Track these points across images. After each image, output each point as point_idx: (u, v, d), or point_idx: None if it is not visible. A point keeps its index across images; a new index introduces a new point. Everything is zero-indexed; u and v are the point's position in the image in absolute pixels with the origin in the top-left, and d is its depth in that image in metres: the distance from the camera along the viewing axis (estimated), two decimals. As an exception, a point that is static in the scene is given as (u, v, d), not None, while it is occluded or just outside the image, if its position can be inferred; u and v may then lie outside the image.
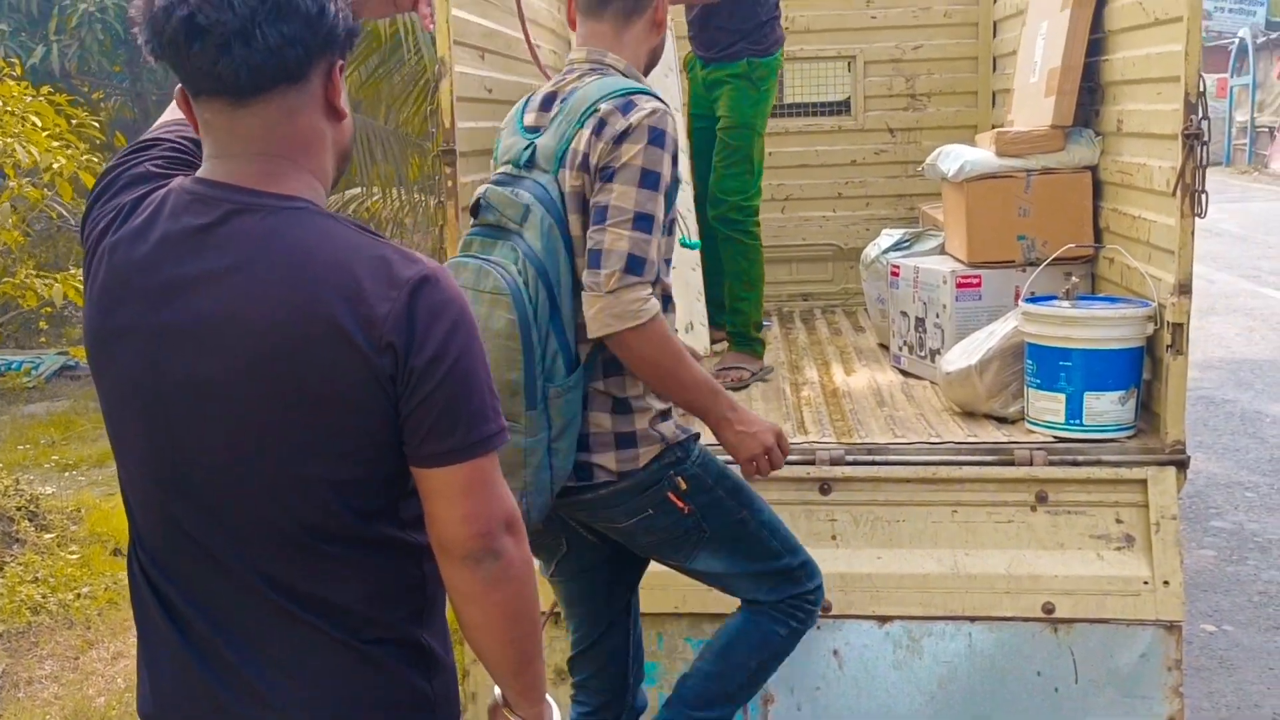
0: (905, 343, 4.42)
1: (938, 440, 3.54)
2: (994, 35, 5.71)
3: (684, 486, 2.60)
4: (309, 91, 1.59)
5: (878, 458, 3.48)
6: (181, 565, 1.63)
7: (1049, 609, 3.30)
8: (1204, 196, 3.28)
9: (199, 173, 1.62)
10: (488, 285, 2.38)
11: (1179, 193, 3.27)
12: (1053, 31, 4.17)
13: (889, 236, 4.88)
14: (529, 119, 2.57)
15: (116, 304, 1.58)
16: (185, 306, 1.54)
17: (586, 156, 2.43)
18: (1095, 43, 4.01)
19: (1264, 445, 6.84)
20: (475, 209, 2.52)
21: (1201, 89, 3.26)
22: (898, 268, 4.46)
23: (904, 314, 4.41)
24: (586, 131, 2.43)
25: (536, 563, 2.78)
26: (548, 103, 2.56)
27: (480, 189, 2.52)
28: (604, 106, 2.44)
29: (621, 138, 2.41)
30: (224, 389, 1.54)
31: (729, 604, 3.32)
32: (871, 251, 4.84)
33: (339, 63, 1.62)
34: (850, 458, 3.46)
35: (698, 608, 3.34)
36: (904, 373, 4.40)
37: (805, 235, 5.95)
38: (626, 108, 2.44)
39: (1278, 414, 7.46)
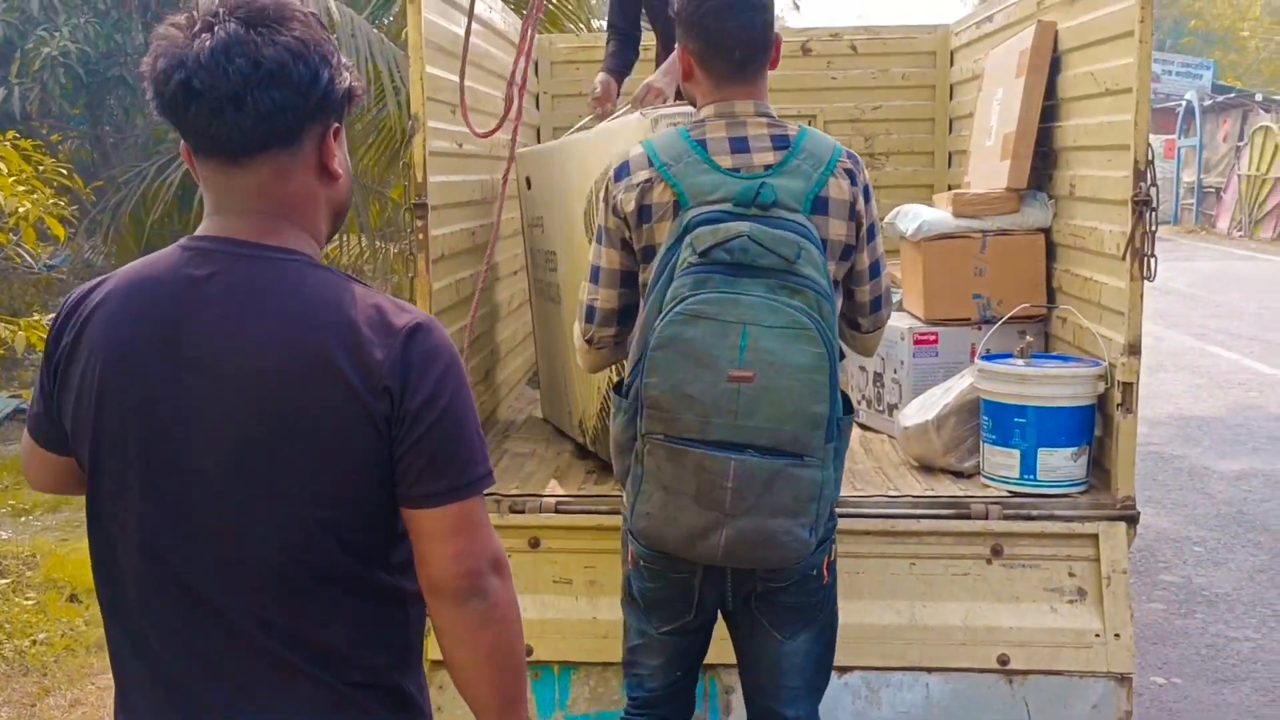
0: (864, 397, 4.51)
1: (896, 494, 3.62)
2: (950, 98, 5.86)
3: (834, 555, 2.71)
4: (301, 154, 1.67)
5: (837, 510, 3.54)
6: (167, 613, 1.66)
7: (1004, 660, 3.37)
8: (1153, 261, 3.40)
9: (199, 230, 1.69)
10: (780, 320, 2.39)
11: (1129, 257, 3.39)
12: (1008, 98, 4.30)
13: (848, 292, 4.98)
14: (725, 161, 2.56)
15: (114, 353, 1.63)
16: (189, 352, 1.61)
17: (853, 206, 2.60)
18: (1049, 109, 4.15)
19: (1211, 501, 6.99)
20: (710, 248, 2.44)
21: (1150, 157, 3.38)
22: (857, 324, 4.55)
23: (862, 369, 4.50)
24: (843, 181, 2.59)
25: (642, 621, 2.80)
26: (740, 145, 2.58)
27: (737, 226, 2.44)
28: (848, 161, 2.62)
29: (868, 193, 2.65)
30: (228, 431, 1.59)
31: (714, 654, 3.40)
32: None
33: (334, 126, 1.70)
34: (811, 510, 3.53)
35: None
36: (862, 426, 4.48)
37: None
38: (858, 162, 2.66)
39: (1225, 470, 7.62)
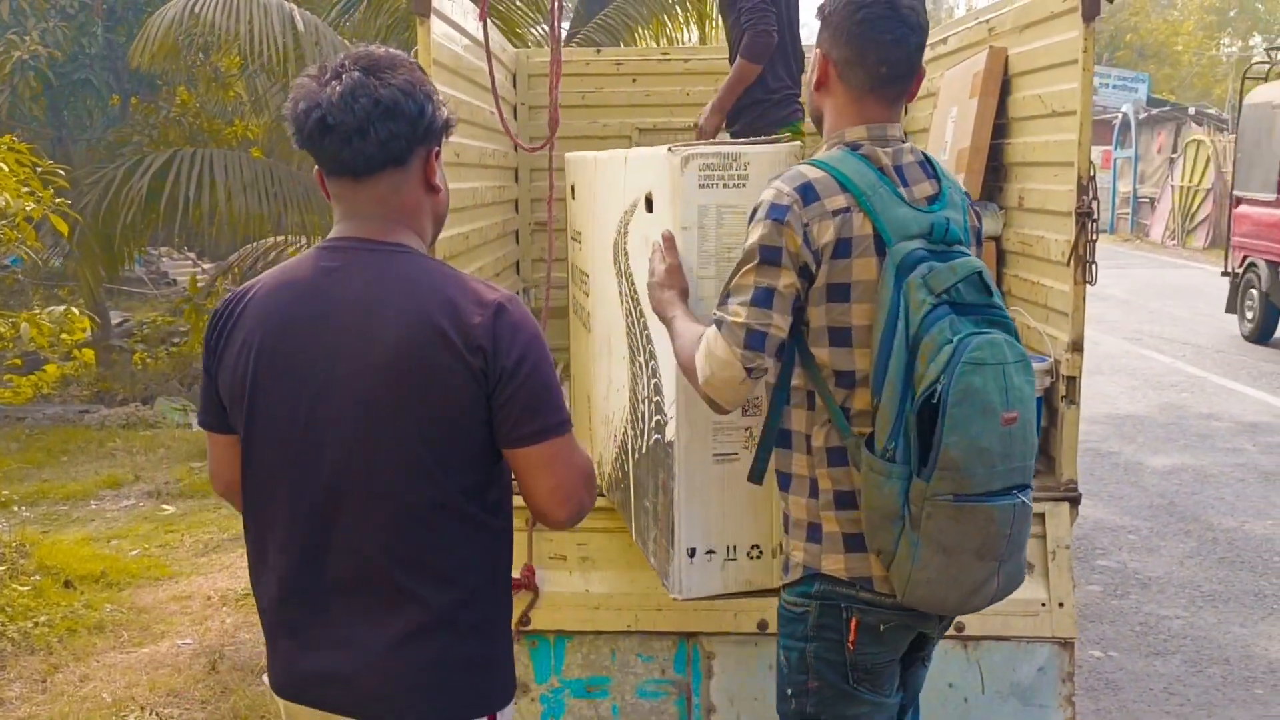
0: (827, 392, 4.83)
1: (861, 478, 3.94)
2: (904, 114, 6.22)
3: None
4: (411, 172, 2.08)
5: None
6: (308, 541, 2.03)
7: (960, 628, 3.71)
8: (1094, 267, 3.76)
9: (331, 234, 2.10)
10: (1015, 355, 2.31)
11: (1073, 263, 3.75)
12: (962, 116, 4.66)
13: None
14: (905, 194, 2.39)
15: (267, 330, 2.02)
16: (325, 327, 1.99)
17: (980, 234, 2.62)
18: (999, 127, 4.50)
19: (1145, 493, 7.42)
20: (947, 288, 2.30)
21: (1092, 173, 3.74)
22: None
23: (826, 366, 4.83)
24: (971, 212, 2.54)
25: (875, 694, 2.54)
26: (903, 175, 2.43)
27: (971, 263, 2.36)
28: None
29: None
30: (359, 388, 1.96)
31: (678, 622, 3.69)
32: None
33: (435, 149, 2.10)
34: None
35: (648, 626, 3.70)
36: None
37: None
38: None
39: (1157, 465, 8.06)
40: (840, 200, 2.36)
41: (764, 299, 2.35)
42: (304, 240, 11.52)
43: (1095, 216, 3.75)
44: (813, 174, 2.39)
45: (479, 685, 2.10)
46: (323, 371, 1.98)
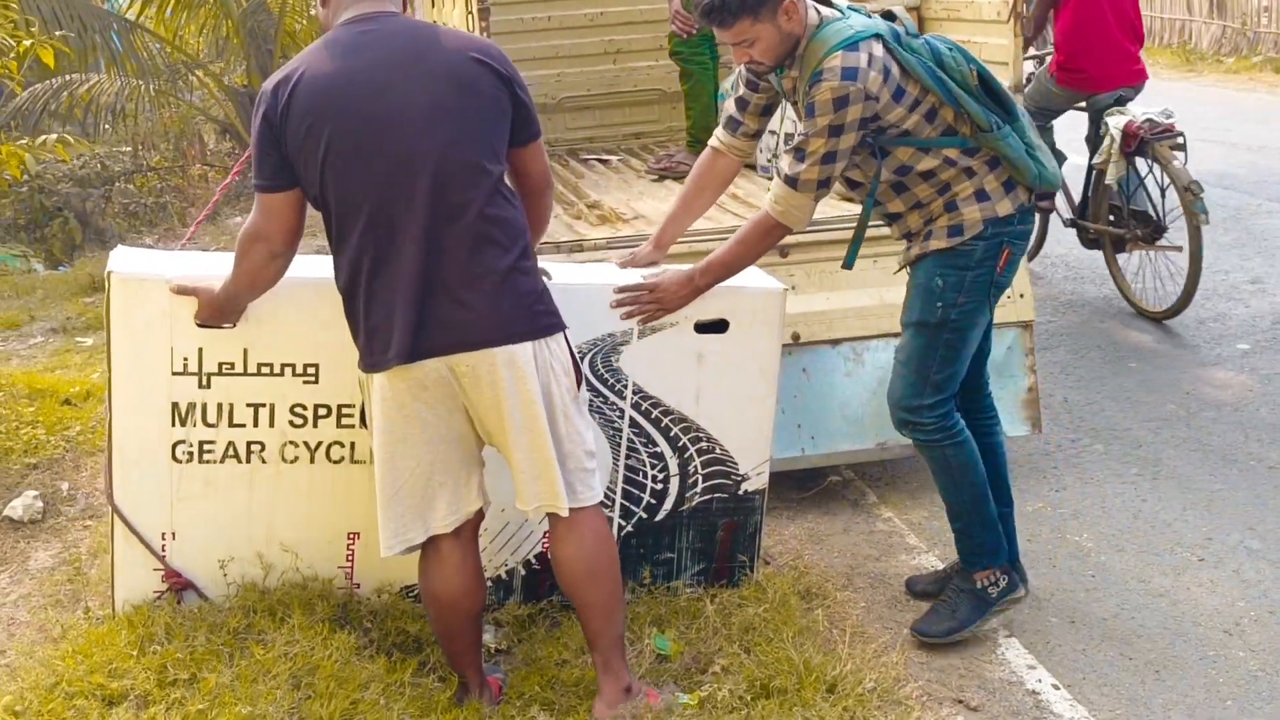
0: (774, 155, 5.60)
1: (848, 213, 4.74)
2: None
3: None
4: None
5: (816, 229, 4.65)
6: (402, 219, 3.01)
7: (944, 319, 4.61)
8: (1029, 23, 4.64)
9: (348, 15, 3.06)
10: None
11: (1012, 20, 4.61)
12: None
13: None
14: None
15: (327, 86, 2.98)
16: (386, 61, 2.99)
17: None
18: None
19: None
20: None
21: (1015, -55, 4.60)
22: (764, 96, 5.62)
23: (773, 132, 5.58)
24: None
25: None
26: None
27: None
28: None
29: None
30: (425, 100, 2.99)
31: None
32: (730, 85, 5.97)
33: None
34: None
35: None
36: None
37: (635, 83, 7.01)
38: None
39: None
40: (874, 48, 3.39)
41: (831, 159, 3.43)
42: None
43: (1022, -17, 4.62)
44: (856, 56, 3.34)
45: (550, 310, 3.05)
46: (393, 98, 2.89)
